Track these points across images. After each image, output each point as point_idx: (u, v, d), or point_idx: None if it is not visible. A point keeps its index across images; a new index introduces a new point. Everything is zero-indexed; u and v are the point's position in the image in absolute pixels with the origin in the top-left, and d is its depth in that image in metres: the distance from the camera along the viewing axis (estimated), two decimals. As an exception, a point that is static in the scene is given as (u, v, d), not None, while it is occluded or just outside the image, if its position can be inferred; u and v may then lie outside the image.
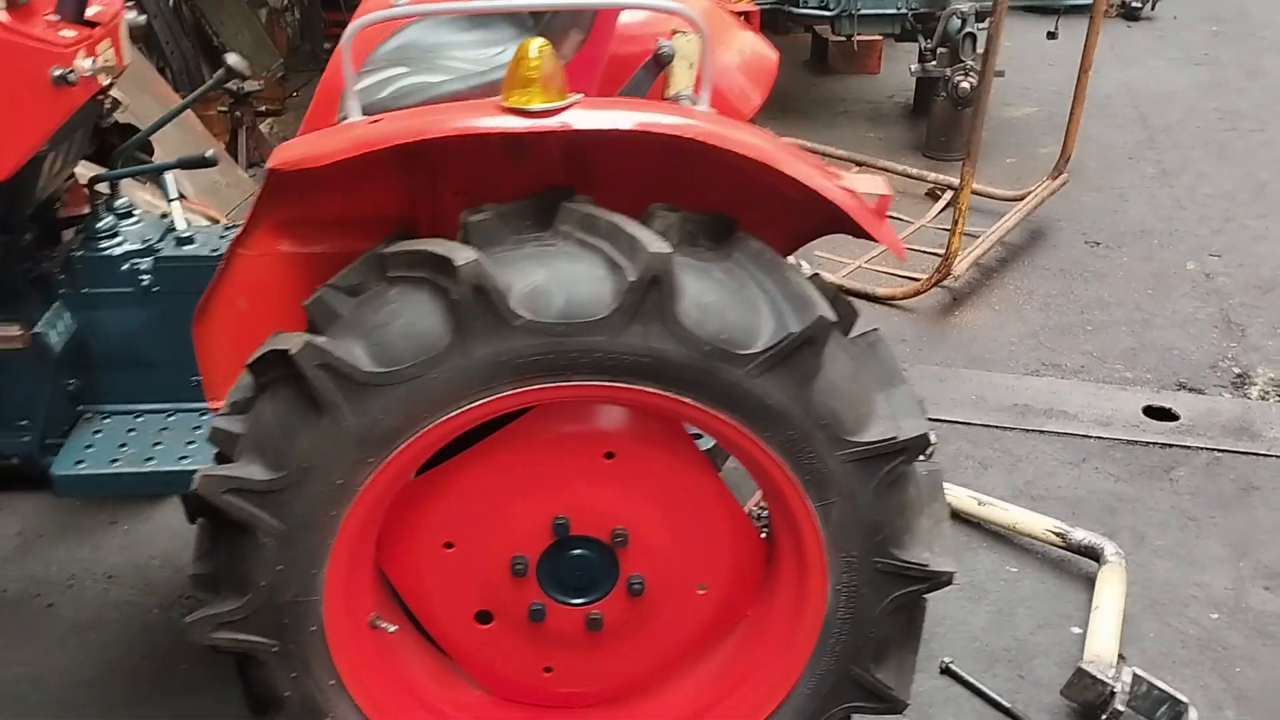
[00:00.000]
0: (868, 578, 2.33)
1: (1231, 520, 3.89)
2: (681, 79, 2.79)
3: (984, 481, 4.06)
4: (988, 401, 4.54)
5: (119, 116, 3.06)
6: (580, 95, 2.11)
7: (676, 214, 2.17)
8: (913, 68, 7.04)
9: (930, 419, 4.36)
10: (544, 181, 2.22)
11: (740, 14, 3.31)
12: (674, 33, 2.72)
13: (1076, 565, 3.61)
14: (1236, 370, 4.82)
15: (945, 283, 5.34)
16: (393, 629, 2.34)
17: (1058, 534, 3.62)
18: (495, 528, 2.35)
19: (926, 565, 2.34)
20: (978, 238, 5.56)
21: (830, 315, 2.12)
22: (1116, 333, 5.10)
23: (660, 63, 2.80)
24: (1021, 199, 5.99)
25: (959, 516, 3.81)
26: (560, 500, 2.35)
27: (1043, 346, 4.98)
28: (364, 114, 2.24)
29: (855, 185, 2.20)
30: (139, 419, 2.80)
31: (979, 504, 3.78)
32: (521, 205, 2.16)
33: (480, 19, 2.76)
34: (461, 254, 2.02)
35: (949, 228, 5.66)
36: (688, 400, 2.15)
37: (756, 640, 2.52)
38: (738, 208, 2.28)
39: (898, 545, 2.32)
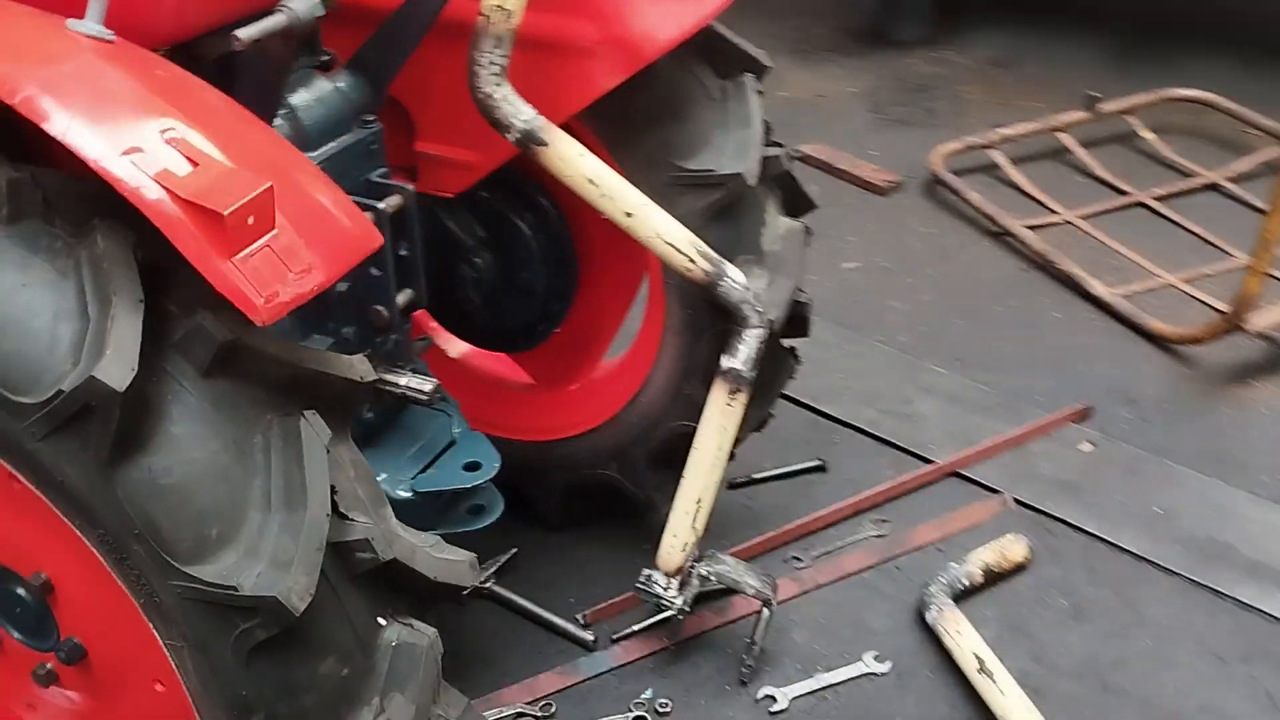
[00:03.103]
0: (256, 768, 1.58)
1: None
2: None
3: (1057, 638, 2.80)
4: (1174, 526, 3.13)
5: None
6: None
7: (22, 174, 1.49)
8: None
9: (1061, 521, 3.13)
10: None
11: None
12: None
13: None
14: None
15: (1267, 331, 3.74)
16: None
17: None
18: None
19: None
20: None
21: (115, 382, 1.36)
22: None
23: None
24: None
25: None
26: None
27: (1342, 467, 3.36)
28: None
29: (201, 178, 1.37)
30: None
31: (978, 668, 2.61)
32: None
33: None
34: None
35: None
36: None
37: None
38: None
39: (289, 742, 1.54)
